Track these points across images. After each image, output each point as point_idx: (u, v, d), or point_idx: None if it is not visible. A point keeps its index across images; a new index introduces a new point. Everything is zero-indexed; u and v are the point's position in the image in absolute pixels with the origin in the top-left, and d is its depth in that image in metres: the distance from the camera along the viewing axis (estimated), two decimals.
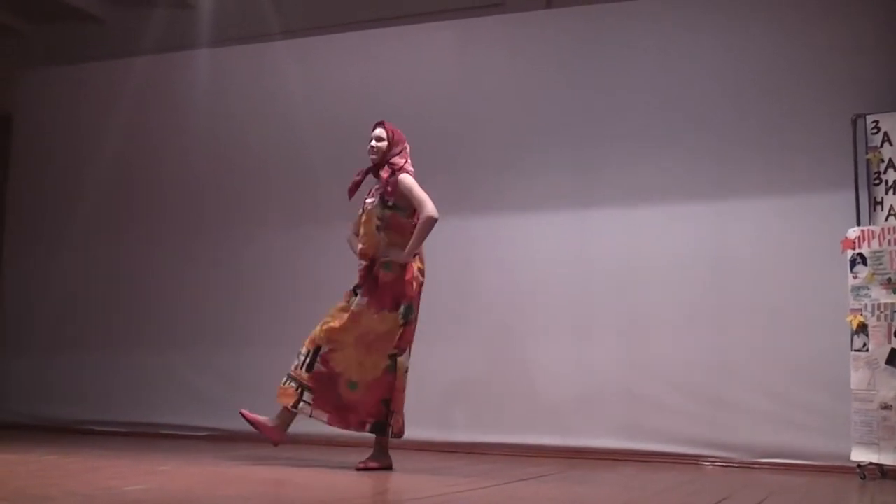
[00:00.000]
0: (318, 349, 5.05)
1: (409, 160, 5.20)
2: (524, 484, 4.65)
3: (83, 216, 7.97)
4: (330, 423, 5.08)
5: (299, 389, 5.05)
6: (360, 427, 5.02)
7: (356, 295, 5.08)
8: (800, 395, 5.88)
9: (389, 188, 5.04)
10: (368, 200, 5.15)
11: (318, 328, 5.10)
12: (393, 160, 5.13)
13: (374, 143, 5.15)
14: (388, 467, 5.03)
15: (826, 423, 5.72)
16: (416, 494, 4.22)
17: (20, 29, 8.75)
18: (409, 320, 5.02)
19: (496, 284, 6.72)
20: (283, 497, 3.93)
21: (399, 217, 5.07)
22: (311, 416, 5.06)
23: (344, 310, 5.07)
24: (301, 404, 5.03)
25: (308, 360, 5.06)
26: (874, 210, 5.67)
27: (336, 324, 5.04)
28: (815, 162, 6.08)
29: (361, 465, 4.96)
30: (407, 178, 5.07)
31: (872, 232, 5.48)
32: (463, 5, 7.37)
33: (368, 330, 4.98)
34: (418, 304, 5.08)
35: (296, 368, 5.10)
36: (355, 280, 5.12)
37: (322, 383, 5.03)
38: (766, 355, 6.02)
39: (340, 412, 5.04)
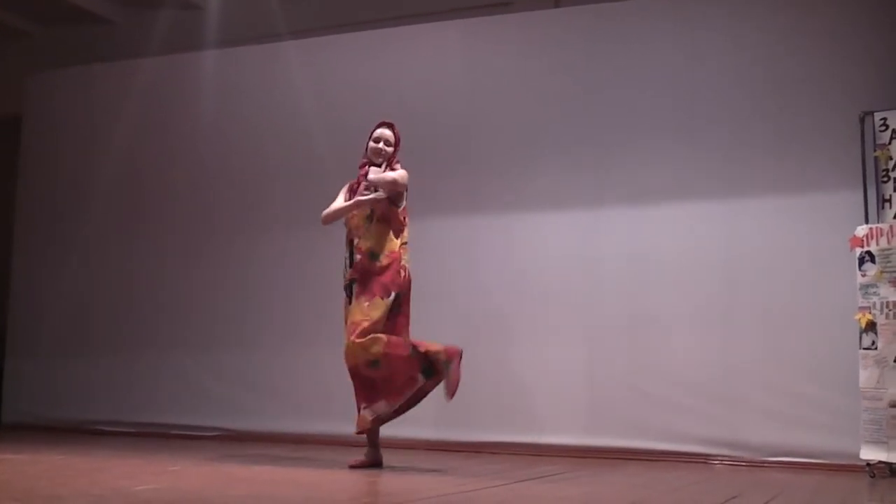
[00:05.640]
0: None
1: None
2: (533, 483, 4.65)
3: (93, 217, 8.00)
4: (392, 404, 5.00)
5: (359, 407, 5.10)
6: (413, 384, 4.98)
7: (352, 292, 5.09)
8: (809, 394, 5.87)
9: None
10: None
11: None
12: (393, 165, 5.23)
13: (383, 146, 5.21)
14: (379, 464, 5.13)
15: (835, 422, 5.72)
16: (424, 493, 4.23)
17: (29, 31, 8.80)
18: (401, 311, 5.06)
19: (505, 283, 6.72)
20: (293, 497, 3.94)
21: (395, 209, 5.14)
22: (375, 417, 5.02)
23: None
24: (366, 414, 5.02)
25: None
26: (882, 208, 5.66)
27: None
28: (824, 160, 6.07)
29: (354, 463, 5.04)
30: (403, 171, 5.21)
31: (881, 230, 5.47)
32: (471, 4, 7.37)
33: (361, 317, 4.93)
34: (408, 296, 5.12)
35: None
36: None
37: (363, 384, 5.02)
38: (775, 354, 6.02)
39: (390, 390, 4.98)
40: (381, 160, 5.21)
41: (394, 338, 4.96)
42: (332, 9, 7.86)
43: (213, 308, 7.52)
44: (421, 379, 5.01)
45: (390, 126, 5.27)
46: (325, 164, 6.99)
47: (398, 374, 4.98)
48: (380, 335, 4.91)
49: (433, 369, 5.02)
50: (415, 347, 4.99)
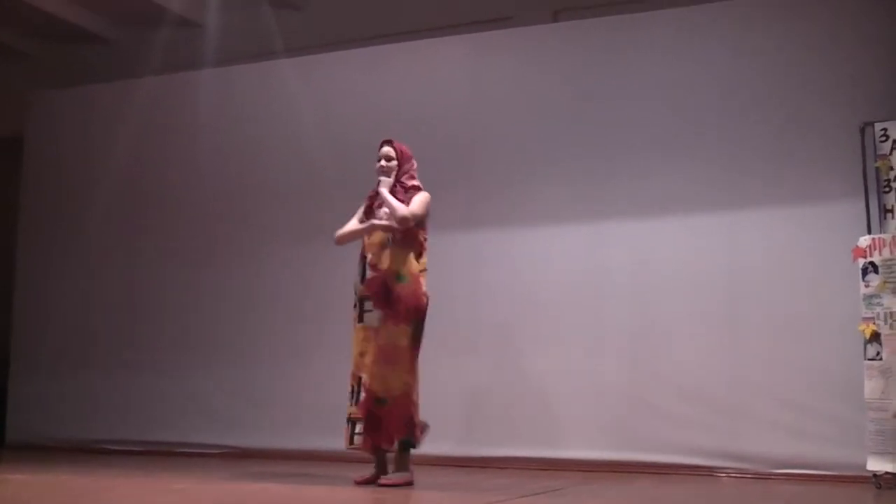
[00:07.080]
0: (360, 379, 5.03)
1: (416, 178, 5.28)
2: (538, 498, 4.64)
3: (94, 236, 8.00)
4: (363, 447, 5.01)
5: (351, 425, 5.03)
6: (389, 444, 4.97)
7: (363, 309, 5.07)
8: (814, 405, 5.85)
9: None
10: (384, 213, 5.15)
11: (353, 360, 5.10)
12: (404, 180, 5.22)
13: (384, 163, 5.23)
14: (411, 483, 5.01)
15: (841, 433, 5.69)
16: None
17: (30, 52, 8.82)
18: (418, 338, 5.04)
19: (508, 297, 6.71)
20: None
21: (415, 231, 5.15)
22: (362, 447, 5.02)
23: (364, 330, 5.05)
24: (354, 438, 5.00)
25: (356, 395, 5.04)
26: (884, 218, 5.64)
27: (361, 347, 5.04)
28: (825, 171, 6.06)
29: (385, 482, 4.94)
30: (424, 194, 5.20)
31: (883, 240, 5.46)
32: (470, 19, 7.38)
33: (388, 342, 4.97)
34: (423, 324, 5.10)
35: (349, 407, 5.06)
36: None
37: (367, 409, 4.99)
38: (780, 365, 6.00)
39: (373, 431, 4.97)
40: (386, 174, 5.23)
41: (409, 396, 4.96)
42: (331, 26, 7.87)
43: (215, 325, 7.50)
44: (394, 446, 4.99)
45: (388, 142, 5.30)
46: (325, 180, 7.01)
47: (390, 422, 4.95)
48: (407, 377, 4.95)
49: (410, 445, 5.00)
50: (412, 418, 4.97)
